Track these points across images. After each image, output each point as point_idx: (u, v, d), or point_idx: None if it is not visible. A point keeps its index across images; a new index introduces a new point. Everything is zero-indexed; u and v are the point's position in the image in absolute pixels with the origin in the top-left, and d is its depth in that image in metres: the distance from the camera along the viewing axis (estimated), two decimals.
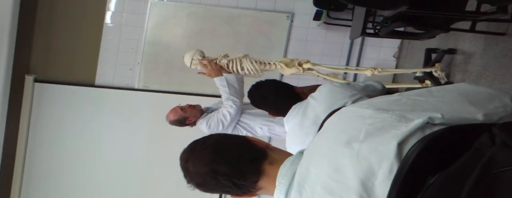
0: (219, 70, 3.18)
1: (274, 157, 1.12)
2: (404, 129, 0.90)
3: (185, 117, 3.29)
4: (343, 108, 1.10)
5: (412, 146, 0.88)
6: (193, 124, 3.34)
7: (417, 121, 0.91)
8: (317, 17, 4.63)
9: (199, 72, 3.28)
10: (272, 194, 1.09)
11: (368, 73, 3.45)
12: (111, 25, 4.88)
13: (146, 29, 4.86)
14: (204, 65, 3.19)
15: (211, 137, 1.22)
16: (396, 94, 1.09)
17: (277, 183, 1.05)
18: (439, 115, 0.92)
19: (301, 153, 1.07)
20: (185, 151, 1.20)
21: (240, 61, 3.20)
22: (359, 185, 0.89)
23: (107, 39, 4.89)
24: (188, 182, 1.18)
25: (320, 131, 1.08)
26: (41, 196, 5.10)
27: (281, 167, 1.06)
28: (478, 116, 0.92)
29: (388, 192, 0.86)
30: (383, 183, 0.87)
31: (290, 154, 1.14)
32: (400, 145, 0.88)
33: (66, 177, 5.06)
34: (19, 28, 4.59)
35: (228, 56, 3.21)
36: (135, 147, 5.04)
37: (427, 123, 0.91)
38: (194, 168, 1.14)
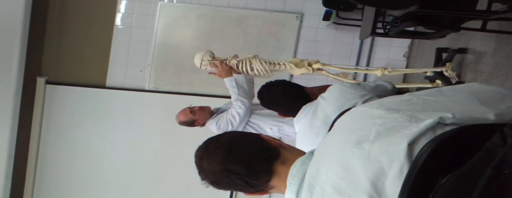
0: (229, 70, 3.19)
1: (286, 156, 1.12)
2: (415, 129, 0.90)
3: (194, 119, 3.31)
4: (353, 108, 1.10)
5: (424, 146, 0.87)
6: (202, 124, 3.35)
7: (428, 121, 0.90)
8: (326, 17, 4.62)
9: (209, 73, 3.29)
10: (283, 193, 1.09)
11: (378, 73, 3.44)
12: (121, 27, 4.92)
13: (156, 30, 4.88)
14: (214, 66, 3.20)
15: (225, 135, 1.23)
16: (407, 94, 1.08)
17: (287, 183, 1.06)
18: (450, 115, 0.91)
19: (311, 153, 1.08)
20: (200, 148, 1.22)
21: (250, 61, 3.21)
22: (369, 185, 0.89)
23: (118, 41, 4.92)
24: (202, 179, 1.20)
25: (331, 131, 1.08)
26: (53, 196, 5.14)
27: (292, 167, 1.07)
28: (490, 116, 0.92)
29: (400, 192, 0.86)
30: (393, 183, 0.87)
31: (302, 153, 1.15)
32: (411, 145, 0.87)
33: (78, 178, 5.11)
34: (31, 31, 4.64)
35: (237, 57, 3.21)
36: (145, 147, 5.06)
37: (438, 123, 0.90)
38: (208, 166, 1.16)
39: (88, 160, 5.07)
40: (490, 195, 0.76)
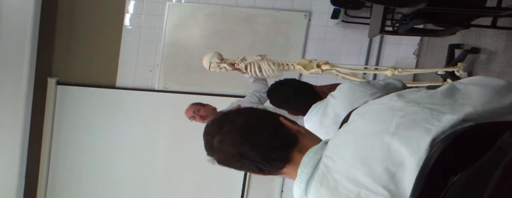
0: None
1: (303, 144, 1.10)
2: (438, 123, 0.90)
3: (198, 110, 3.36)
4: (372, 100, 1.10)
5: (435, 146, 0.88)
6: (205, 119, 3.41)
7: (451, 117, 0.90)
8: (334, 15, 4.60)
9: (234, 69, 3.31)
10: (293, 178, 1.08)
11: (389, 73, 3.41)
12: (130, 27, 4.94)
13: (165, 30, 4.90)
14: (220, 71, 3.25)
15: (241, 114, 1.16)
16: (424, 89, 1.07)
17: (299, 172, 1.04)
18: (472, 110, 0.92)
19: (325, 143, 1.07)
20: (213, 125, 1.16)
21: (258, 64, 3.21)
22: (387, 177, 0.90)
23: (127, 42, 4.95)
24: (209, 155, 1.16)
25: (348, 122, 1.07)
26: (66, 196, 5.19)
27: (305, 156, 1.05)
28: (506, 105, 0.93)
29: (411, 192, 0.86)
30: (411, 177, 0.87)
31: (319, 139, 1.13)
32: (433, 140, 0.87)
33: (90, 177, 5.15)
34: (41, 32, 4.69)
35: (245, 60, 3.22)
36: (156, 147, 5.09)
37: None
38: (220, 145, 1.12)
39: (100, 160, 5.11)
40: (501, 194, 0.76)
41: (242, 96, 3.57)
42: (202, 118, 3.32)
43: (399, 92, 1.08)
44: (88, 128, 5.03)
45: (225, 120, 1.14)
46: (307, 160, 1.04)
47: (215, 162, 1.16)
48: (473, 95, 0.98)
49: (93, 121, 5.02)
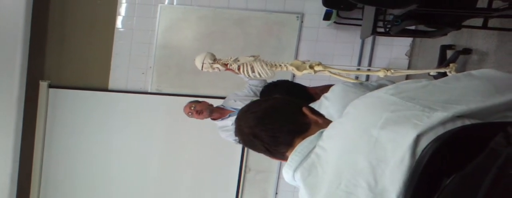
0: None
1: (311, 133, 1.14)
2: (427, 120, 0.90)
3: (195, 106, 3.49)
4: (369, 93, 1.10)
5: (427, 146, 0.88)
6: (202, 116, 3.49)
7: (441, 114, 0.91)
8: (327, 17, 4.61)
9: (227, 69, 3.34)
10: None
11: (381, 74, 3.42)
12: (122, 30, 4.92)
13: (157, 33, 4.89)
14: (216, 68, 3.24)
15: (270, 100, 1.28)
16: (424, 80, 1.08)
17: (289, 159, 1.09)
18: (464, 107, 0.92)
19: (321, 133, 1.09)
20: (244, 109, 1.27)
21: (251, 64, 3.21)
22: (369, 171, 0.91)
23: (119, 44, 4.92)
24: (235, 135, 1.27)
25: (343, 114, 1.09)
26: None
27: (299, 144, 1.10)
28: (503, 102, 0.93)
29: (404, 194, 0.87)
30: (392, 172, 0.88)
31: None
32: (418, 136, 0.88)
33: (83, 181, 5.11)
34: (32, 35, 4.65)
35: (238, 60, 3.21)
36: (149, 149, 5.07)
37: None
38: (241, 126, 1.23)
39: (93, 163, 5.08)
40: (495, 195, 0.76)
41: None
42: (198, 113, 3.44)
43: (397, 84, 1.09)
44: (80, 131, 5.00)
45: (254, 104, 1.27)
46: (300, 148, 1.09)
47: (238, 141, 1.28)
48: (471, 91, 0.98)
49: (85, 124, 4.99)
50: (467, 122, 0.92)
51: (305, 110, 1.20)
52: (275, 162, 4.88)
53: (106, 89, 4.96)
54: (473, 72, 1.07)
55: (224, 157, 4.97)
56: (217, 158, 4.97)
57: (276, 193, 5.15)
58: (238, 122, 1.24)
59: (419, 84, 1.05)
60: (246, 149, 4.89)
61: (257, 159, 5.01)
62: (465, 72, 1.09)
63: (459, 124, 0.91)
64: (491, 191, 0.76)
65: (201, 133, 4.57)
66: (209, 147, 4.84)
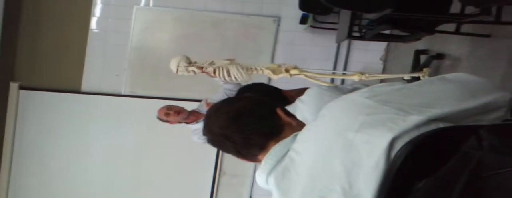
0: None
1: (285, 135, 1.12)
2: (402, 123, 0.90)
3: (167, 120, 3.39)
4: (344, 96, 1.10)
5: (400, 149, 0.87)
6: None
7: (416, 118, 0.90)
8: (303, 21, 4.62)
9: (202, 72, 3.30)
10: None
11: (356, 78, 3.44)
12: (96, 31, 4.84)
13: (132, 34, 4.82)
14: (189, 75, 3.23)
15: (242, 100, 1.24)
16: (399, 83, 1.08)
17: (263, 162, 1.07)
18: (439, 111, 0.92)
19: (295, 136, 1.08)
20: (214, 106, 1.23)
21: (227, 68, 3.20)
22: (344, 175, 0.90)
23: (93, 45, 4.84)
24: (204, 134, 1.23)
25: (318, 117, 1.07)
26: None
27: (273, 147, 1.08)
28: (476, 106, 0.94)
29: (376, 196, 0.86)
30: (366, 176, 0.87)
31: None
32: (394, 140, 0.87)
33: (54, 186, 4.99)
34: (3, 35, 4.53)
35: (214, 64, 3.19)
36: (123, 153, 4.99)
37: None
38: (211, 126, 1.19)
39: (65, 167, 4.97)
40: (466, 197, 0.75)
41: None
42: (177, 113, 3.34)
43: (371, 87, 1.09)
44: (52, 134, 4.88)
45: (225, 103, 1.22)
46: (274, 152, 1.07)
47: (206, 141, 1.23)
48: (445, 94, 0.99)
49: (57, 126, 4.88)
50: (441, 125, 0.92)
51: (278, 111, 1.18)
52: (249, 166, 4.87)
53: (79, 91, 4.86)
54: (447, 76, 1.08)
55: (198, 160, 4.93)
56: (191, 162, 4.92)
57: (251, 197, 5.13)
58: (208, 121, 1.20)
59: (394, 88, 1.05)
60: (221, 153, 4.87)
61: (232, 163, 4.98)
62: (439, 76, 1.10)
63: (433, 127, 0.91)
64: (464, 194, 0.75)
65: (175, 137, 4.50)
66: (183, 150, 4.79)
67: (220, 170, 5.03)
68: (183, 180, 4.98)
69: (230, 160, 4.95)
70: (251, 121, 1.14)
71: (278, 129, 1.13)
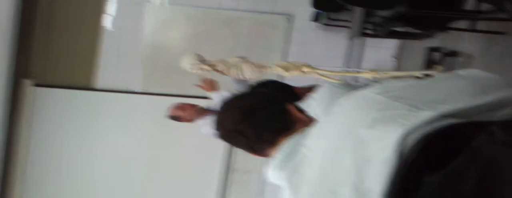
0: (214, 85, 3.31)
1: (296, 131, 1.12)
2: (413, 119, 0.89)
3: (181, 115, 3.36)
4: (356, 92, 1.09)
5: (410, 146, 0.87)
6: (189, 121, 3.38)
7: (428, 113, 0.89)
8: (316, 18, 4.61)
9: (197, 85, 3.30)
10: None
11: (368, 76, 3.41)
12: (110, 29, 4.88)
13: (145, 33, 4.85)
14: (201, 79, 3.23)
15: (255, 95, 1.27)
16: (411, 79, 1.08)
17: (274, 157, 1.08)
18: (451, 107, 0.91)
19: (306, 131, 1.09)
20: (228, 102, 1.24)
21: (239, 66, 3.19)
22: (355, 170, 0.89)
23: (107, 43, 4.88)
24: (215, 129, 1.23)
25: (329, 113, 1.07)
26: None
27: (284, 143, 1.09)
28: (488, 102, 0.92)
29: (386, 192, 0.85)
30: (378, 171, 0.86)
31: None
32: (406, 136, 0.86)
33: (68, 181, 5.06)
34: (19, 33, 4.59)
35: (225, 61, 3.20)
36: (136, 150, 5.03)
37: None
38: (224, 121, 1.19)
39: (78, 163, 5.03)
40: (478, 195, 0.75)
41: None
42: (191, 107, 3.34)
43: (383, 83, 1.09)
44: (66, 130, 4.94)
45: (238, 98, 1.24)
46: (285, 147, 1.08)
47: (217, 134, 1.23)
48: (458, 91, 0.98)
49: (71, 123, 4.93)
50: (453, 121, 0.91)
51: (290, 107, 1.19)
52: (259, 163, 4.86)
53: (93, 89, 4.91)
54: (460, 72, 1.07)
55: (209, 157, 4.97)
56: (202, 159, 4.95)
57: (261, 194, 5.14)
58: (221, 116, 1.21)
59: (406, 84, 1.04)
60: (231, 149, 4.88)
61: (242, 160, 4.99)
62: (452, 72, 1.09)
63: (444, 123, 0.90)
64: (474, 190, 0.75)
65: (186, 134, 4.51)
66: (193, 148, 4.82)
67: (230, 167, 5.05)
68: (193, 177, 5.01)
69: (240, 157, 4.97)
70: (264, 116, 1.15)
71: (289, 124, 1.14)
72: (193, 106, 3.37)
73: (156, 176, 5.08)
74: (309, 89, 2.36)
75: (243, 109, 1.16)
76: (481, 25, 2.95)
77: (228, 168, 5.06)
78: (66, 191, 5.08)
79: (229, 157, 4.99)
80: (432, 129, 0.88)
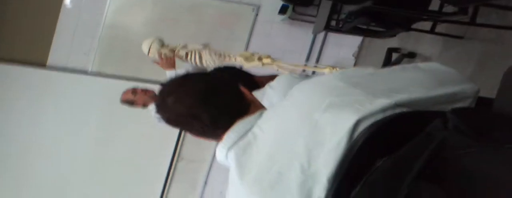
0: (172, 63, 3.10)
1: (251, 113, 1.08)
2: (369, 106, 0.89)
3: (133, 100, 3.24)
4: (315, 77, 1.09)
5: (362, 131, 0.87)
6: (142, 106, 3.28)
7: (383, 101, 0.90)
8: (282, 11, 4.60)
9: (154, 62, 3.20)
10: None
11: (327, 72, 3.44)
12: (69, 7, 4.71)
13: (106, 14, 4.73)
14: (159, 56, 3.12)
15: (204, 77, 1.17)
16: (372, 68, 1.08)
17: (225, 137, 1.04)
18: (406, 96, 0.92)
19: (261, 113, 1.06)
20: (172, 83, 1.14)
21: (199, 52, 3.14)
22: (304, 154, 0.89)
23: (64, 21, 4.72)
24: (159, 113, 1.14)
25: (287, 96, 1.06)
26: None
27: (237, 123, 1.05)
28: (444, 94, 0.94)
29: (334, 176, 0.85)
30: (327, 155, 0.86)
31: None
32: (359, 121, 0.87)
33: (10, 161, 4.84)
34: None
35: (187, 47, 3.13)
36: (83, 133, 4.90)
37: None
38: (174, 105, 1.09)
39: (22, 143, 4.83)
40: (426, 178, 0.74)
41: None
42: (144, 92, 3.23)
43: (344, 70, 1.09)
44: (12, 108, 4.72)
45: (187, 80, 1.14)
46: (237, 127, 1.04)
47: (162, 120, 1.14)
48: (415, 81, 0.99)
49: (18, 101, 4.72)
50: (407, 110, 0.91)
51: (243, 89, 1.15)
52: (208, 152, 4.84)
53: (44, 66, 4.72)
54: (420, 64, 1.09)
55: (158, 145, 4.91)
56: (151, 147, 4.89)
57: (206, 183, 5.12)
58: (166, 98, 1.11)
59: (366, 72, 1.05)
60: (181, 138, 4.83)
61: (191, 148, 4.96)
62: (412, 64, 1.11)
63: (398, 111, 0.90)
64: (422, 173, 0.74)
65: (137, 121, 4.42)
66: (143, 135, 4.73)
67: (178, 155, 4.99)
68: (140, 165, 4.94)
69: (189, 146, 4.93)
70: (221, 100, 1.09)
71: (245, 107, 1.10)
72: (147, 91, 3.28)
73: (103, 162, 4.95)
74: (269, 78, 2.32)
75: (197, 91, 1.08)
76: (441, 28, 3.00)
77: (177, 156, 5.00)
78: (7, 171, 4.86)
79: (179, 145, 4.93)
80: (385, 116, 0.89)
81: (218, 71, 2.35)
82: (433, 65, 1.08)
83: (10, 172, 4.89)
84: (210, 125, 1.07)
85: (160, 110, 1.13)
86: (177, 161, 5.03)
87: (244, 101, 1.11)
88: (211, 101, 1.08)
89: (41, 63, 4.72)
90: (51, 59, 4.74)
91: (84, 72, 4.80)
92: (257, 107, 1.12)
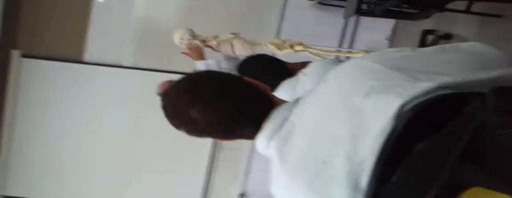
0: (201, 53, 3.10)
1: (277, 103, 1.07)
2: (411, 89, 0.86)
3: None
4: (351, 60, 1.05)
5: (403, 114, 0.84)
6: None
7: (427, 84, 0.86)
8: None
9: (182, 53, 3.23)
10: (249, 138, 1.07)
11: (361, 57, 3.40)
12: (101, 0, 4.78)
13: (137, 6, 4.77)
14: (188, 47, 3.14)
15: (212, 79, 1.11)
16: (409, 49, 1.03)
17: (264, 127, 1.01)
18: (450, 79, 0.88)
19: (297, 100, 1.03)
20: (183, 96, 1.08)
21: (231, 42, 3.16)
22: (349, 140, 0.86)
23: (97, 15, 4.79)
24: (180, 127, 1.11)
25: (322, 81, 1.02)
26: (27, 175, 5.05)
27: (274, 112, 1.02)
28: (487, 78, 0.89)
29: (374, 157, 0.83)
30: (373, 142, 0.83)
31: (284, 101, 1.10)
32: (403, 106, 0.84)
33: (53, 154, 5.02)
34: (6, 2, 4.48)
35: (218, 37, 3.16)
36: (121, 125, 5.00)
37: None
38: (202, 114, 1.05)
39: (63, 137, 4.98)
40: (467, 160, 0.73)
41: None
42: None
43: (381, 52, 1.04)
44: (53, 103, 4.88)
45: (198, 88, 1.08)
46: (274, 116, 1.01)
47: (187, 133, 1.10)
48: (458, 64, 0.95)
49: (58, 96, 4.87)
50: (450, 92, 0.89)
51: (252, 81, 1.12)
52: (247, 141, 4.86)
53: (81, 62, 4.83)
54: (461, 45, 1.03)
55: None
56: (189, 137, 4.90)
57: (248, 172, 5.15)
58: (186, 111, 1.06)
59: (404, 54, 1.01)
60: None
61: None
62: (452, 44, 1.05)
63: (441, 93, 0.88)
64: (462, 155, 0.72)
65: None
66: None
67: (217, 144, 5.04)
68: (180, 155, 4.99)
69: None
70: (244, 97, 1.06)
71: (267, 98, 1.09)
72: None
73: (142, 152, 5.05)
74: (301, 65, 2.31)
75: (221, 94, 1.05)
76: (477, 7, 2.91)
77: (216, 146, 5.05)
78: (52, 164, 5.04)
79: None
80: (424, 100, 0.85)
81: (250, 59, 2.35)
82: (475, 45, 1.02)
83: (53, 161, 5.05)
84: (249, 124, 1.06)
85: (183, 124, 1.10)
86: (217, 151, 5.07)
87: (261, 93, 1.10)
88: (236, 101, 1.06)
89: (79, 58, 4.83)
90: (87, 54, 4.84)
91: (120, 65, 4.88)
92: (272, 94, 1.11)
